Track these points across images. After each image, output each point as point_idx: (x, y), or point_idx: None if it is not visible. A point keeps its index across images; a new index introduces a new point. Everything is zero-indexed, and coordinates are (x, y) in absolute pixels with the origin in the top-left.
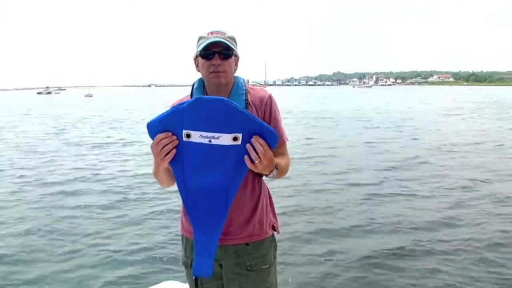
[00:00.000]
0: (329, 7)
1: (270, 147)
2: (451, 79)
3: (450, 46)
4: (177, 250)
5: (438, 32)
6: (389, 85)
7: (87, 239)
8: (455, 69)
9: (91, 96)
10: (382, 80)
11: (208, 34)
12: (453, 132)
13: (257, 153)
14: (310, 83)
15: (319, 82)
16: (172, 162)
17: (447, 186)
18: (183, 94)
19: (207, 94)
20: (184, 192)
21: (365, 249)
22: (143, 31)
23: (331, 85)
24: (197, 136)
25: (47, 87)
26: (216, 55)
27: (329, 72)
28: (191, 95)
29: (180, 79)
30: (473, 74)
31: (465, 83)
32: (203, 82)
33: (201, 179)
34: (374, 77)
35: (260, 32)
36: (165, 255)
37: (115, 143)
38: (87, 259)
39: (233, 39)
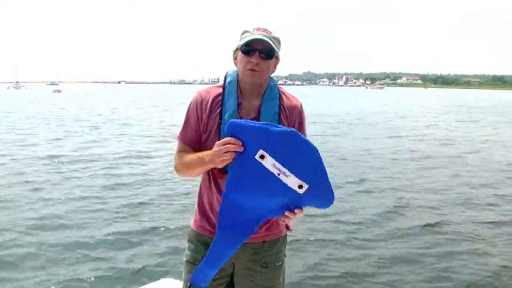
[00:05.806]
0: (300, 7)
1: (319, 206)
2: (419, 81)
3: (418, 48)
4: (174, 247)
5: (406, 34)
6: (358, 86)
7: (81, 237)
8: (423, 71)
9: (60, 91)
10: (352, 81)
11: (254, 29)
12: None
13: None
14: (280, 82)
15: (289, 82)
16: (231, 171)
17: None
18: (153, 91)
19: (240, 90)
20: (226, 201)
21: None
22: (113, 26)
23: (301, 84)
24: (270, 163)
25: (17, 82)
26: (257, 53)
27: (299, 71)
28: (224, 86)
29: (150, 76)
30: (441, 76)
31: (433, 85)
32: (237, 76)
33: (249, 199)
34: (344, 77)
35: (230, 30)
36: (162, 252)
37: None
38: (82, 256)
39: (277, 40)
